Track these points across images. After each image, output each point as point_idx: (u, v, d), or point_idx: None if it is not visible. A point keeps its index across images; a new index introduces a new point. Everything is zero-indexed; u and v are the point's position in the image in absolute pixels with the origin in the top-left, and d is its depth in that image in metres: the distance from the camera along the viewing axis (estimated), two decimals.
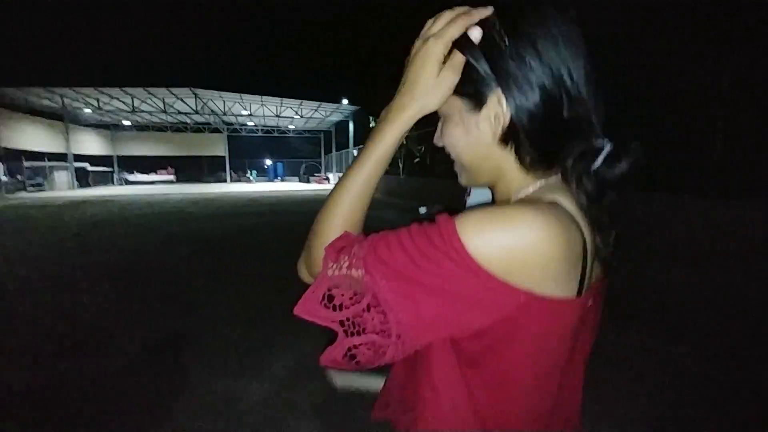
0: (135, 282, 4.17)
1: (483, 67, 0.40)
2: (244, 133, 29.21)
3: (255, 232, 7.29)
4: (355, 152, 21.78)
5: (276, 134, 30.34)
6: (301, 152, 35.95)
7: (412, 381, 0.49)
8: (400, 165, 21.07)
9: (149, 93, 17.71)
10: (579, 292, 0.39)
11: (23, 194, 18.27)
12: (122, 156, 27.40)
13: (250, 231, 7.40)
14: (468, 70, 0.41)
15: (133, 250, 5.85)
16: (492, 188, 0.49)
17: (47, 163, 20.91)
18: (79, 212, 10.71)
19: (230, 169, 29.20)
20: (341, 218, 0.44)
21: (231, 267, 4.63)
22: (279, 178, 31.43)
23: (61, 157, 22.20)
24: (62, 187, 21.46)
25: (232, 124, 27.02)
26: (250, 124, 27.30)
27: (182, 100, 18.91)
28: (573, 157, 0.41)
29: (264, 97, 18.86)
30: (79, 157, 23.25)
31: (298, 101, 19.57)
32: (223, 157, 28.19)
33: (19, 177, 19.42)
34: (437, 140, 0.49)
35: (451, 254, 0.34)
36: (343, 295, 0.39)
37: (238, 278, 4.25)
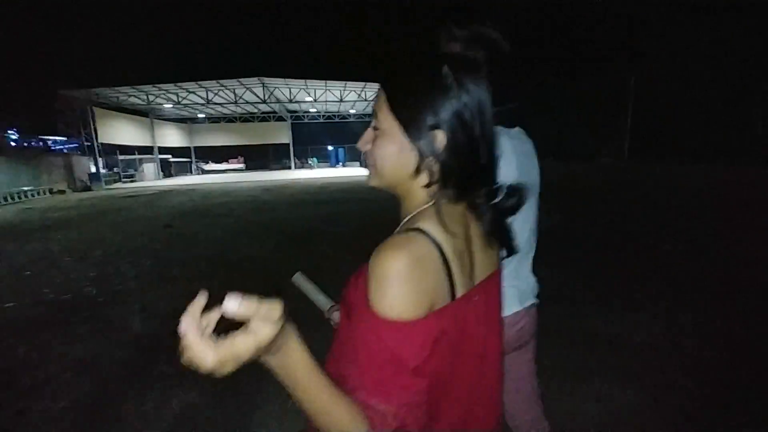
0: (232, 279, 3.94)
1: (431, 109, 0.50)
2: (306, 120, 29.61)
3: (337, 222, 6.92)
4: None
5: (337, 120, 30.34)
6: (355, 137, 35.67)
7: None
8: None
9: (221, 85, 18.32)
10: (452, 297, 0.50)
11: (119, 185, 20.19)
12: (198, 147, 29.27)
13: (331, 221, 7.06)
14: (420, 107, 0.50)
15: (222, 242, 5.75)
16: (398, 197, 0.58)
17: (137, 156, 22.91)
18: (167, 202, 11.30)
19: (294, 155, 29.92)
20: (330, 418, 0.44)
21: (323, 263, 4.21)
22: (340, 163, 31.59)
23: (147, 149, 24.21)
24: (150, 177, 23.45)
25: (296, 111, 27.45)
26: (313, 110, 27.54)
27: (251, 90, 19.35)
28: (481, 195, 0.54)
29: (328, 81, 18.61)
30: (162, 150, 25.21)
31: (362, 83, 19.03)
32: (287, 144, 28.90)
33: (115, 169, 21.48)
34: (363, 145, 0.57)
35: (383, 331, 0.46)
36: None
37: (337, 276, 3.81)
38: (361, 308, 0.48)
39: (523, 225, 1.00)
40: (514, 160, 0.95)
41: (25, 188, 14.55)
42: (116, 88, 17.48)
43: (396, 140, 0.52)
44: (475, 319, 0.54)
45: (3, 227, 8.05)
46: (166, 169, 25.66)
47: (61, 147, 24.15)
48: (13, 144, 22.53)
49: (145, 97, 19.07)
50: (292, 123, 28.42)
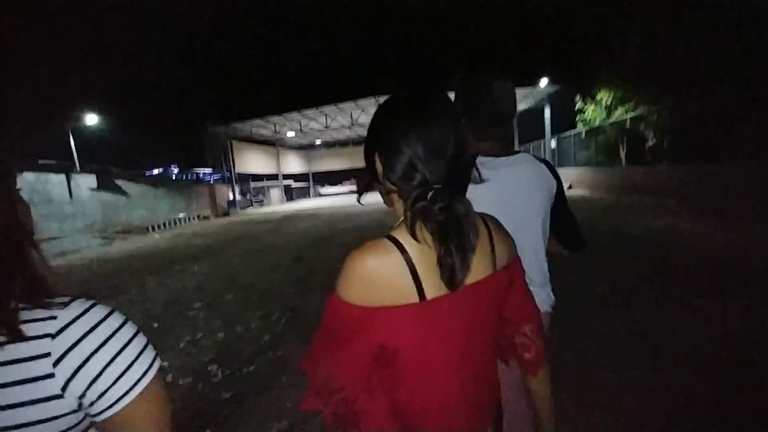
0: None
1: (374, 139, 0.62)
2: None
3: None
4: (554, 143, 17.81)
5: None
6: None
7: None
8: (622, 152, 15.99)
9: (339, 108, 18.49)
10: (422, 298, 0.57)
11: (251, 210, 21.93)
12: (315, 172, 30.88)
13: None
14: (369, 139, 0.63)
15: None
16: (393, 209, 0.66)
17: (265, 183, 24.95)
18: (293, 228, 11.02)
19: None
20: None
21: None
22: None
23: (273, 176, 26.26)
24: (275, 202, 25.21)
25: None
26: None
27: (366, 110, 19.15)
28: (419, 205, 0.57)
29: (449, 92, 17.19)
30: (285, 176, 27.10)
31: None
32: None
33: (247, 196, 23.55)
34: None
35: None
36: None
37: None
38: None
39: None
40: (493, 190, 0.94)
41: (180, 215, 16.37)
42: (249, 121, 19.01)
43: (376, 166, 0.63)
44: (448, 323, 0.60)
45: (153, 255, 8.35)
46: (289, 194, 27.43)
47: (209, 178, 28.09)
48: (174, 177, 26.76)
49: (272, 127, 20.43)
50: None
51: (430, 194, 0.56)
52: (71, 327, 0.43)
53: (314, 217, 13.86)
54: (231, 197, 20.23)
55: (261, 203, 24.10)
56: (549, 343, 0.97)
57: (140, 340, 0.47)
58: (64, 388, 0.41)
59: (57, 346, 0.41)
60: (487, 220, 0.67)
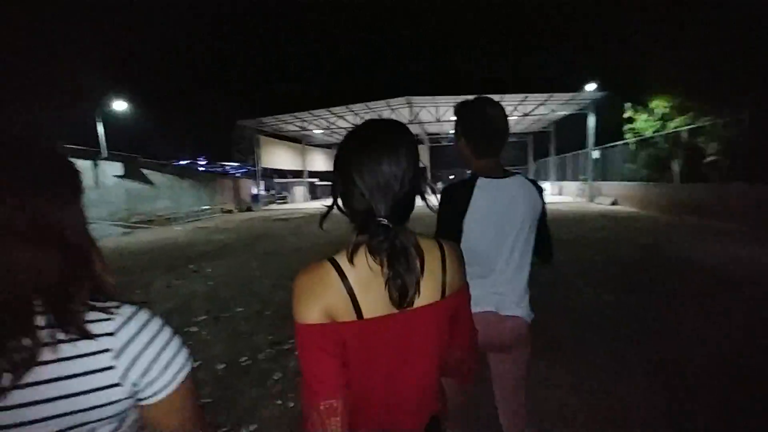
0: None
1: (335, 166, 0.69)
2: (444, 143, 27.95)
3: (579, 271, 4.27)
4: (596, 153, 16.55)
5: None
6: (503, 160, 31.82)
7: None
8: (676, 168, 14.59)
9: (369, 108, 17.94)
10: (359, 316, 0.63)
11: (274, 206, 21.69)
12: None
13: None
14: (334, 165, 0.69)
15: None
16: None
17: (290, 180, 24.71)
18: (315, 228, 10.48)
19: (431, 179, 28.43)
20: None
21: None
22: None
23: (298, 173, 26.02)
24: (299, 199, 24.92)
25: (437, 134, 26.02)
26: (452, 132, 25.64)
27: (397, 111, 18.49)
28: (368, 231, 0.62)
29: (481, 96, 16.30)
30: (310, 174, 26.81)
31: (522, 95, 16.13)
32: (424, 168, 27.61)
33: (271, 191, 23.36)
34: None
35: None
36: None
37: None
38: None
39: (497, 251, 1.19)
40: (492, 207, 1.14)
41: (204, 207, 16.21)
42: (278, 116, 18.73)
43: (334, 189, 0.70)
44: (388, 340, 0.65)
45: (170, 249, 7.95)
46: (313, 192, 27.13)
47: (235, 171, 28.22)
48: (201, 169, 26.99)
49: (300, 123, 20.10)
50: (430, 147, 27.11)
51: (375, 227, 0.62)
52: (125, 327, 0.50)
53: (337, 217, 13.27)
54: (255, 192, 20.03)
55: (284, 200, 23.87)
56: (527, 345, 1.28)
57: (177, 341, 0.56)
58: (122, 378, 0.49)
59: (116, 343, 0.49)
60: (445, 246, 0.72)
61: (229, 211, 17.86)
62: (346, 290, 0.62)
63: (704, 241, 6.73)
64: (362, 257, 0.62)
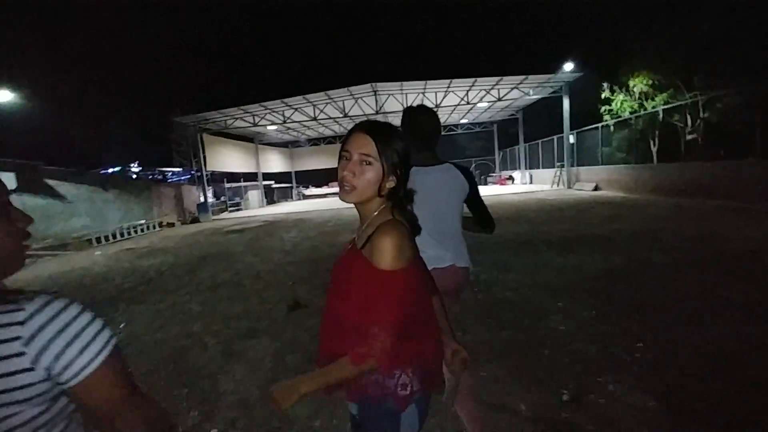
0: None
1: (398, 156, 0.88)
2: None
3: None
4: (572, 138, 15.82)
5: (443, 133, 26.65)
6: (469, 150, 31.51)
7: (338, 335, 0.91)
8: (653, 148, 14.14)
9: (329, 97, 15.97)
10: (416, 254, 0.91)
11: (225, 215, 19.05)
12: (299, 171, 28.13)
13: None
14: (395, 154, 0.87)
15: None
16: (361, 207, 0.92)
17: (243, 184, 22.05)
18: (277, 240, 8.49)
19: None
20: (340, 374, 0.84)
21: None
22: None
23: (252, 176, 23.40)
24: (254, 205, 22.35)
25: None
26: None
27: (362, 101, 16.69)
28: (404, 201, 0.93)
29: (454, 80, 14.99)
30: (265, 176, 24.24)
31: (496, 78, 14.99)
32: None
33: (222, 198, 20.62)
34: (350, 172, 0.86)
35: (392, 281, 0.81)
36: None
37: None
38: (366, 275, 0.82)
39: (437, 222, 1.55)
40: (424, 188, 1.24)
41: (137, 222, 13.44)
42: (223, 111, 16.22)
43: (379, 171, 0.85)
44: (421, 269, 0.97)
45: (75, 288, 5.65)
46: (269, 196, 24.59)
47: (177, 178, 24.87)
48: (134, 177, 23.44)
49: (250, 118, 17.66)
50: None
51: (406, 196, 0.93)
52: (36, 316, 0.54)
53: (303, 225, 11.30)
54: (202, 200, 17.34)
55: (237, 207, 21.22)
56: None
57: (96, 325, 0.58)
58: (34, 362, 0.53)
59: (25, 332, 0.53)
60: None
61: (171, 225, 15.13)
62: (412, 237, 0.89)
63: (750, 224, 5.70)
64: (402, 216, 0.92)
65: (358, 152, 0.85)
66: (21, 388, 0.53)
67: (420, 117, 1.61)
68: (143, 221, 13.74)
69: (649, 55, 12.41)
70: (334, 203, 20.73)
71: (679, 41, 11.84)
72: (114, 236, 12.03)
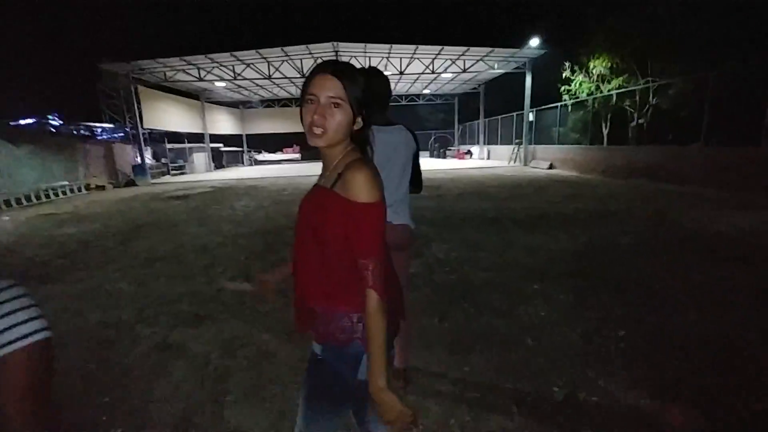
0: None
1: (365, 96, 0.87)
2: None
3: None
4: (531, 115, 16.05)
5: (403, 102, 26.05)
6: (430, 122, 31.21)
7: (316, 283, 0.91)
8: (604, 131, 14.73)
9: (286, 54, 14.64)
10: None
11: (167, 178, 17.34)
12: (250, 135, 26.25)
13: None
14: (362, 94, 0.86)
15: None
16: (328, 150, 0.89)
17: (187, 145, 20.08)
18: (227, 208, 7.70)
19: None
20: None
21: None
22: None
23: (198, 137, 21.41)
24: (200, 169, 20.61)
25: None
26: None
27: (322, 60, 15.47)
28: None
29: (420, 47, 14.33)
30: (213, 138, 22.32)
31: (463, 48, 14.55)
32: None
33: (163, 160, 18.70)
34: (320, 116, 0.83)
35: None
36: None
37: None
38: (342, 209, 0.81)
39: (388, 180, 1.52)
40: (380, 145, 1.28)
41: (58, 184, 11.71)
42: (163, 60, 14.28)
43: (349, 113, 0.85)
44: None
45: None
46: (218, 160, 22.77)
47: (109, 136, 21.97)
48: (53, 131, 20.36)
49: (196, 72, 15.82)
50: None
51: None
52: None
53: (255, 192, 10.49)
54: (138, 161, 15.55)
55: (181, 170, 19.40)
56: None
57: (31, 312, 0.60)
58: None
59: None
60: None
61: (101, 188, 13.43)
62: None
63: (699, 208, 6.04)
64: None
65: (325, 95, 0.83)
66: None
67: (373, 79, 1.62)
68: (65, 183, 12.02)
69: (610, 37, 12.60)
70: (289, 170, 19.64)
71: (638, 26, 12.11)
72: (28, 199, 10.38)
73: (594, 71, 13.60)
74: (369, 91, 0.96)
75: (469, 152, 22.94)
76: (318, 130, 0.83)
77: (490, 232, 5.07)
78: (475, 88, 22.60)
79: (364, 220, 0.80)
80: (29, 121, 24.93)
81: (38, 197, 10.76)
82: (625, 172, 10.61)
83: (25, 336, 0.58)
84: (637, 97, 13.01)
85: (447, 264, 3.85)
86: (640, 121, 13.18)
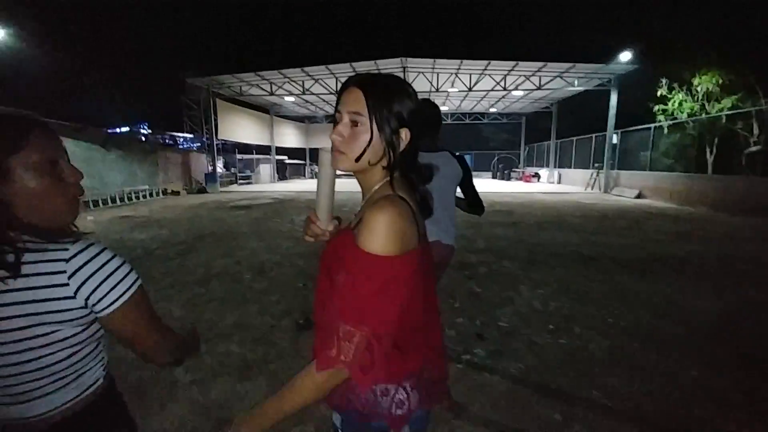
0: None
1: (402, 114, 0.70)
2: (448, 120, 25.17)
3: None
4: (615, 137, 14.42)
5: (467, 120, 25.22)
6: (493, 142, 29.93)
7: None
8: (709, 157, 12.72)
9: (354, 69, 14.71)
10: (419, 243, 0.68)
11: (234, 186, 18.17)
12: (314, 149, 27.00)
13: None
14: (394, 112, 0.69)
15: None
16: (360, 177, 0.76)
17: (255, 156, 21.05)
18: (289, 222, 7.46)
19: None
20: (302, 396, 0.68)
21: None
22: None
23: (264, 149, 22.39)
24: (265, 180, 21.44)
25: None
26: (444, 108, 22.86)
27: None
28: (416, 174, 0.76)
29: (492, 62, 13.59)
30: (278, 150, 23.22)
31: (539, 63, 13.53)
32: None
33: (232, 169, 19.70)
34: (338, 137, 0.71)
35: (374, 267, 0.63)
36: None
37: None
38: (351, 256, 0.64)
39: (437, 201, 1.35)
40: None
41: (140, 188, 12.60)
42: (238, 75, 15.09)
43: (372, 134, 0.69)
44: (427, 262, 0.74)
45: None
46: (282, 171, 23.62)
47: (189, 145, 23.88)
48: (142, 140, 22.50)
49: (268, 86, 16.51)
50: None
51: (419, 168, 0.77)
52: (78, 256, 0.64)
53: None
54: (210, 169, 16.43)
55: (248, 180, 20.30)
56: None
57: (125, 268, 0.68)
58: (75, 292, 0.63)
59: (70, 267, 0.63)
60: None
61: (176, 193, 14.30)
62: (415, 221, 0.68)
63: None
64: (408, 192, 0.72)
65: (346, 110, 0.70)
66: (63, 311, 0.63)
67: (426, 110, 1.71)
68: (146, 187, 12.90)
69: (724, 50, 10.85)
70: (350, 185, 19.61)
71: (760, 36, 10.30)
72: (113, 200, 11.20)
73: (698, 88, 11.82)
74: (416, 110, 0.73)
75: (536, 175, 21.37)
76: (338, 151, 0.71)
77: (591, 276, 4.12)
78: (546, 108, 21.14)
79: (363, 275, 0.63)
80: (122, 129, 28.10)
81: (122, 199, 11.59)
82: (738, 207, 8.83)
83: (130, 286, 0.68)
84: (755, 120, 11.01)
85: (548, 319, 3.03)
86: (756, 147, 11.10)
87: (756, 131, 11.17)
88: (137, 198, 12.19)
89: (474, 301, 3.44)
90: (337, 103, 0.72)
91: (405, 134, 0.71)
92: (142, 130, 29.23)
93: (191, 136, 23.40)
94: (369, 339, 0.62)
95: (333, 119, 0.73)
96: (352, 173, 0.74)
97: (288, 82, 16.23)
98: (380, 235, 0.62)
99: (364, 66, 14.44)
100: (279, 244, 5.73)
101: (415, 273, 0.65)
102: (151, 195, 12.92)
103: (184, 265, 4.63)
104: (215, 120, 16.23)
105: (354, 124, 0.69)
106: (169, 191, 14.07)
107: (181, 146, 23.32)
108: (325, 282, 0.74)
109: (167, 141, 25.76)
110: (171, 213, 9.37)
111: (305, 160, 27.09)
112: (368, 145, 0.69)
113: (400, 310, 0.64)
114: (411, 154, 0.73)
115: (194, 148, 21.23)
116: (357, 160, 0.70)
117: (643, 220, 8.21)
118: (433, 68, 14.60)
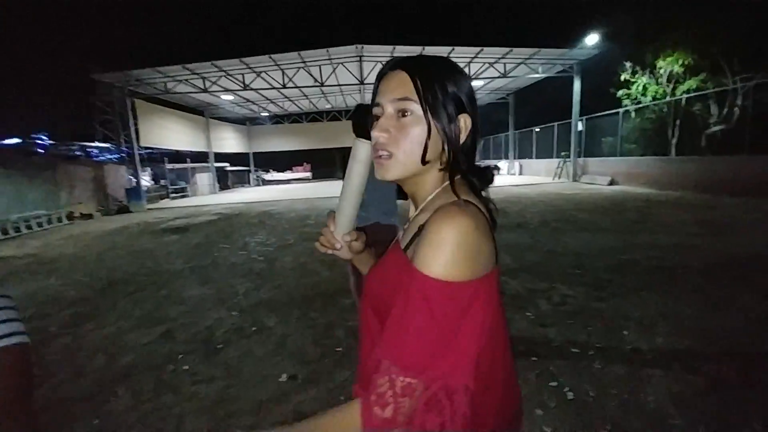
0: None
1: (458, 95, 0.55)
2: None
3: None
4: (580, 125, 14.09)
5: None
6: None
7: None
8: (672, 140, 12.70)
9: (302, 59, 12.87)
10: (496, 261, 0.53)
11: (166, 202, 15.38)
12: (257, 153, 24.46)
13: None
14: (450, 94, 0.54)
15: None
16: (411, 183, 0.59)
17: (189, 165, 18.23)
18: (241, 247, 5.57)
19: None
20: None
21: None
22: None
23: (202, 156, 19.59)
24: (204, 191, 18.74)
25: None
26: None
27: (344, 66, 13.70)
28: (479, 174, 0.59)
29: (456, 48, 12.52)
30: (217, 157, 20.49)
31: (504, 50, 12.71)
32: None
33: (162, 182, 16.80)
34: (381, 135, 0.55)
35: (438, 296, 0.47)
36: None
37: None
38: (408, 283, 0.48)
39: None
40: None
41: (31, 214, 9.69)
42: (162, 69, 12.53)
43: (425, 127, 0.54)
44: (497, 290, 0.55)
45: None
46: (223, 180, 20.91)
47: (108, 157, 20.15)
48: (41, 152, 18.51)
49: (200, 82, 14.04)
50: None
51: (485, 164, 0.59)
52: None
53: (272, 221, 8.40)
54: (134, 184, 13.62)
55: (183, 193, 17.48)
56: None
57: (8, 313, 0.63)
58: None
59: None
60: None
61: (88, 216, 11.44)
62: (491, 234, 0.54)
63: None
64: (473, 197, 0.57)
65: (389, 99, 0.55)
66: None
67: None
68: (42, 212, 10.01)
69: (690, 30, 10.69)
70: (302, 190, 17.67)
71: (728, 16, 10.23)
72: None
73: (662, 71, 11.68)
74: (473, 92, 0.57)
75: (496, 167, 20.89)
76: (384, 154, 0.55)
77: (683, 300, 2.91)
78: (503, 98, 20.77)
79: (426, 308, 0.46)
80: (12, 141, 23.08)
81: (5, 231, 8.73)
82: (705, 186, 8.58)
83: (8, 335, 0.58)
84: (714, 101, 11.04)
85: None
86: (718, 128, 11.16)
87: (716, 111, 11.20)
88: (28, 228, 9.34)
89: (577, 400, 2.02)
90: (374, 96, 0.58)
91: (465, 121, 0.57)
92: (40, 141, 24.36)
93: (108, 145, 19.79)
94: (437, 395, 0.47)
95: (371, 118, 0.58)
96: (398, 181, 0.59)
97: (224, 77, 13.89)
98: (450, 254, 0.47)
99: (314, 55, 12.69)
100: (234, 288, 3.92)
101: (493, 302, 0.52)
102: (50, 222, 10.06)
103: (71, 352, 2.70)
104: (135, 124, 13.44)
105: (402, 113, 0.55)
106: (77, 215, 11.19)
107: (95, 158, 19.59)
108: (374, 323, 0.59)
109: (75, 153, 21.65)
110: (74, 247, 6.96)
111: (249, 166, 24.43)
112: (428, 137, 0.54)
113: (477, 352, 0.49)
114: (472, 149, 0.59)
115: (114, 160, 17.86)
116: (423, 161, 0.55)
117: (645, 209, 7.49)
118: (392, 55, 13.20)
